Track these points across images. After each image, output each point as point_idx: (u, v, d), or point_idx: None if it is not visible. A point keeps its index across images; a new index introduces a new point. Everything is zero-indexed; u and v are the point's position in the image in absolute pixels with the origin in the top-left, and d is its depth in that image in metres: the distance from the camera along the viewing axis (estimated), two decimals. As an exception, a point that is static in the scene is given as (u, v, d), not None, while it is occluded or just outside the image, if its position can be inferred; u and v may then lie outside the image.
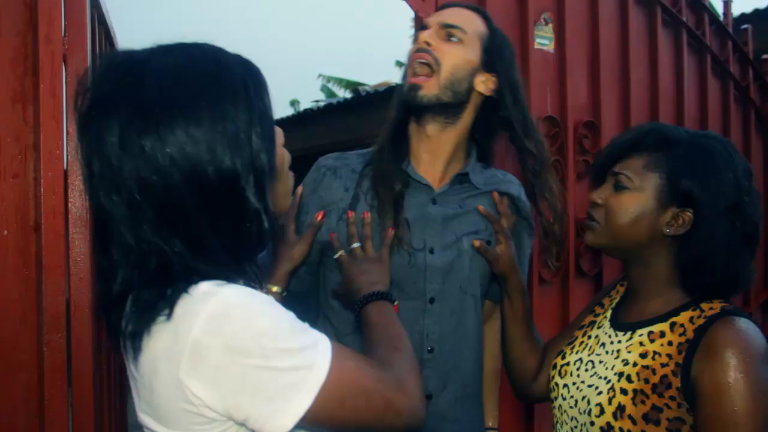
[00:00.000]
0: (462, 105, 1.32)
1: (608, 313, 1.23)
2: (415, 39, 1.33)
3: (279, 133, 0.88)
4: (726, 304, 1.09)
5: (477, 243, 1.33)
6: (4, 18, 1.38)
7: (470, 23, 1.32)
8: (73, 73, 1.43)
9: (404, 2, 1.93)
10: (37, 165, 1.38)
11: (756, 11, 3.96)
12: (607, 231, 1.15)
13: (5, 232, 1.37)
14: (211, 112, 0.76)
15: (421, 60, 1.28)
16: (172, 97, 0.75)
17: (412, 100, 1.28)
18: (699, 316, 1.07)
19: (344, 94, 11.53)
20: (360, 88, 9.24)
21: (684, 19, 2.70)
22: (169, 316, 0.73)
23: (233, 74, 0.80)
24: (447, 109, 1.30)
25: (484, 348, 1.45)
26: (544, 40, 2.24)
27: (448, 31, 1.30)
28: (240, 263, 0.81)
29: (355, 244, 1.24)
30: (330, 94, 12.21)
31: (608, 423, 1.07)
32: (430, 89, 1.27)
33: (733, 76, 2.98)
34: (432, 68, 1.28)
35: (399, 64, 12.19)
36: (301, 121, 8.26)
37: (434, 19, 1.32)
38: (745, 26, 3.22)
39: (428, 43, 1.28)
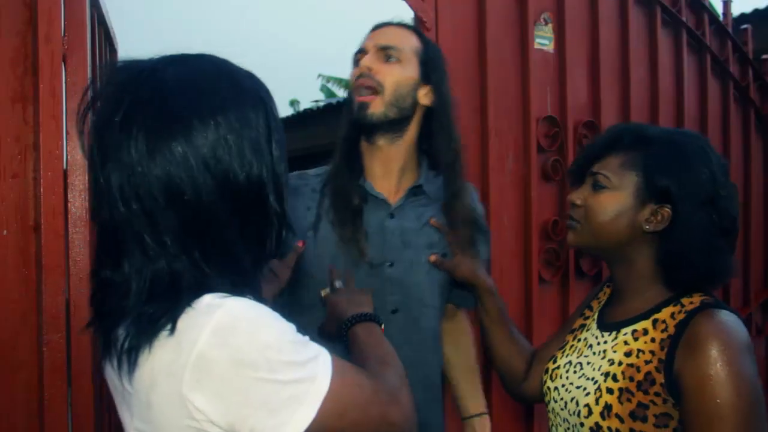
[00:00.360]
0: (408, 119, 1.39)
1: (596, 315, 1.25)
2: (355, 63, 1.39)
3: None
4: (706, 297, 1.09)
5: (433, 258, 1.38)
6: (3, 18, 1.38)
7: (405, 41, 1.39)
8: (73, 73, 1.43)
9: (404, 2, 1.93)
10: (36, 165, 1.38)
11: (756, 11, 3.96)
12: (587, 230, 1.17)
13: (5, 232, 1.37)
14: (238, 117, 0.76)
15: (364, 85, 1.35)
16: (199, 102, 0.75)
17: (362, 119, 1.35)
18: (680, 312, 1.08)
19: (344, 94, 11.52)
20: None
21: (684, 19, 2.70)
22: (172, 330, 0.73)
23: (248, 83, 0.81)
24: (394, 124, 1.37)
25: (451, 344, 1.56)
26: (543, 40, 2.25)
27: (386, 53, 1.36)
28: (258, 271, 0.82)
29: (338, 283, 1.24)
30: (330, 94, 12.21)
31: (597, 423, 1.08)
32: (377, 107, 1.34)
33: (733, 76, 2.98)
34: (376, 90, 1.34)
35: (399, 64, 12.21)
36: (300, 121, 8.25)
37: (371, 43, 1.38)
38: (744, 26, 3.22)
39: (369, 68, 1.34)
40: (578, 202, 1.18)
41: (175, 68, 0.77)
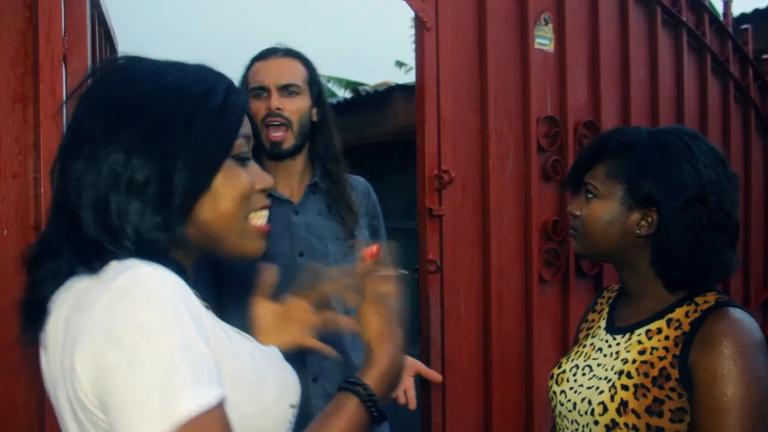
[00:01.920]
0: (307, 137, 1.64)
1: (602, 323, 1.26)
2: (257, 95, 1.59)
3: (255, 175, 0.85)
4: (720, 296, 1.11)
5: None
6: (4, 17, 1.38)
7: (299, 74, 1.62)
8: (73, 73, 1.43)
9: (404, 2, 1.93)
10: (37, 165, 1.38)
11: (756, 11, 3.96)
12: (585, 239, 1.20)
13: (5, 232, 1.37)
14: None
15: (276, 123, 1.57)
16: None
17: (278, 154, 1.59)
18: (694, 311, 1.10)
19: (344, 94, 11.53)
20: (360, 88, 9.24)
21: (684, 18, 2.70)
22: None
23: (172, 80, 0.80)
24: (299, 147, 1.62)
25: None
26: (544, 40, 2.25)
27: (288, 90, 1.59)
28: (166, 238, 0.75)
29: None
30: (330, 94, 12.21)
31: (612, 420, 1.08)
32: (288, 141, 1.59)
33: (733, 76, 2.98)
34: (286, 126, 1.58)
35: (399, 64, 12.19)
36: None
37: (271, 82, 1.58)
38: (745, 26, 3.22)
39: (278, 108, 1.57)
40: (576, 212, 1.21)
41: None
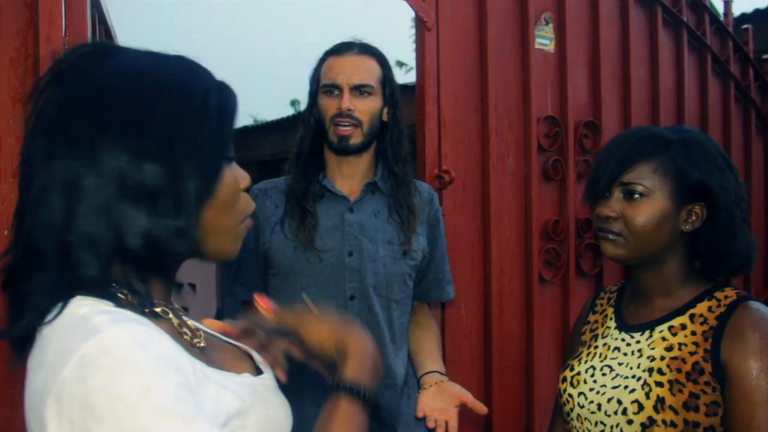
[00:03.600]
0: (375, 137, 1.59)
1: (610, 323, 1.26)
2: (328, 92, 1.55)
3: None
4: (740, 291, 1.14)
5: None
6: (5, 17, 1.38)
7: (373, 74, 1.56)
8: (74, 72, 1.43)
9: (404, 2, 1.93)
10: (37, 165, 1.38)
11: (756, 11, 3.95)
12: (631, 241, 1.16)
13: (6, 231, 1.37)
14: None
15: (345, 123, 1.53)
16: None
17: (344, 149, 1.54)
18: (718, 305, 1.13)
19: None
20: (360, 87, 9.26)
21: (684, 18, 2.70)
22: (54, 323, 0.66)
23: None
24: (367, 145, 1.57)
25: (415, 328, 1.66)
26: (544, 39, 2.25)
27: (360, 90, 1.54)
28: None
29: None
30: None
31: (650, 417, 1.08)
32: (356, 138, 1.54)
33: (734, 76, 2.98)
34: (355, 124, 1.54)
35: (399, 64, 12.18)
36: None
37: (344, 81, 1.53)
38: (745, 26, 3.21)
39: (350, 109, 1.52)
40: (613, 215, 1.17)
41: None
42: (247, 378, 0.81)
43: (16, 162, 1.37)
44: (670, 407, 1.07)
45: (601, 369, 1.19)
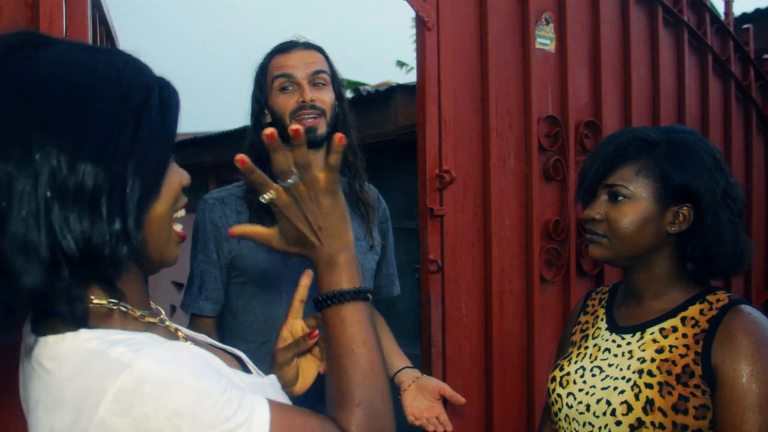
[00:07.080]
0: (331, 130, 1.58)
1: (601, 324, 1.26)
2: (283, 89, 1.56)
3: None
4: (731, 294, 1.14)
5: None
6: (5, 17, 1.38)
7: (324, 66, 1.59)
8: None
9: (405, 2, 1.93)
10: (38, 165, 1.38)
11: (757, 10, 3.95)
12: (616, 242, 1.17)
13: None
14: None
15: (310, 115, 1.54)
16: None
17: (312, 140, 1.53)
18: (710, 308, 1.12)
19: (346, 92, 11.53)
20: (361, 88, 9.24)
21: (685, 18, 2.69)
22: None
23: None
24: (329, 137, 1.55)
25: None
26: (545, 39, 2.24)
27: (317, 82, 1.56)
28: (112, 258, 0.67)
29: (290, 180, 0.84)
30: (331, 93, 12.18)
31: (638, 419, 1.08)
32: (323, 128, 1.55)
33: (735, 76, 2.98)
34: (320, 114, 1.55)
35: (399, 64, 12.18)
36: (301, 121, 8.24)
37: (300, 74, 1.55)
38: (746, 26, 3.21)
39: (313, 100, 1.54)
40: (598, 216, 1.18)
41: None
42: (255, 378, 0.82)
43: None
44: (659, 409, 1.07)
45: (591, 370, 1.20)
